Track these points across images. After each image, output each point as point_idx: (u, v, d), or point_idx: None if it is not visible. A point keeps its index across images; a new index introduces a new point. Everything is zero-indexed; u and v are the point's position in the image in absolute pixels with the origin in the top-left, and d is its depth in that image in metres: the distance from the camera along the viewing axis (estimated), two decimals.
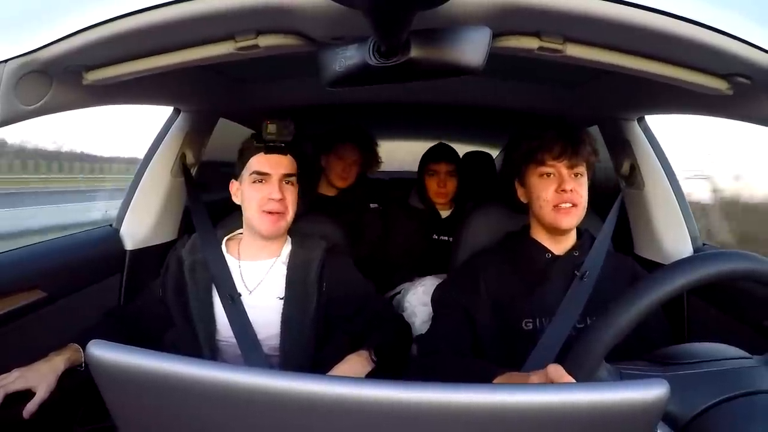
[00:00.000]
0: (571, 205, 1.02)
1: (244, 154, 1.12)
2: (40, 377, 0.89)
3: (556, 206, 1.02)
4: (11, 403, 0.87)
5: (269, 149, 1.09)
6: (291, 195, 1.10)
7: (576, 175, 1.03)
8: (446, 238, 1.80)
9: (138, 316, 1.15)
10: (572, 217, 1.03)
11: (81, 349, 0.98)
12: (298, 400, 0.41)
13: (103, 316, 1.15)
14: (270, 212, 1.08)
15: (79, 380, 0.91)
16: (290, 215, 1.11)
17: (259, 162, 1.09)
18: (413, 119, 2.46)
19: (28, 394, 0.88)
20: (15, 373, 0.89)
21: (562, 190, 1.01)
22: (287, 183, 1.10)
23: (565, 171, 1.03)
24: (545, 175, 1.04)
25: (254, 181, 1.09)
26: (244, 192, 1.11)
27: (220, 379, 0.42)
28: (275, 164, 1.08)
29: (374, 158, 1.98)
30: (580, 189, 1.03)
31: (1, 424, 0.91)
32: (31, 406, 0.87)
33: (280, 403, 0.42)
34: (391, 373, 1.02)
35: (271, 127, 1.08)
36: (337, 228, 1.39)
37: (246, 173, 1.11)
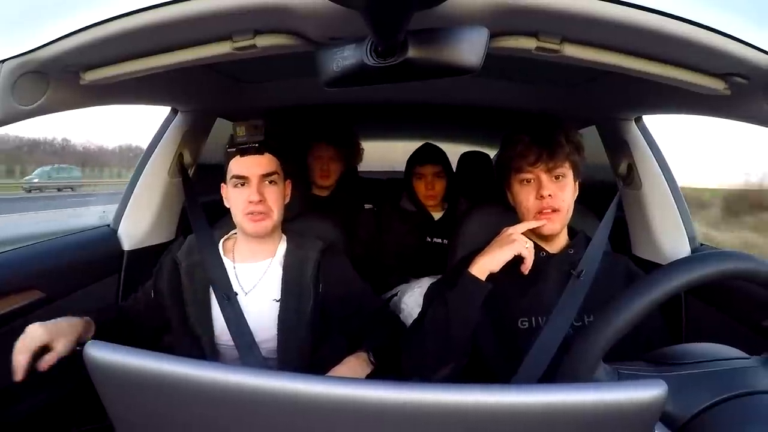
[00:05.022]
0: (551, 210, 1.01)
1: (227, 158, 1.11)
2: (60, 332, 0.91)
3: (538, 213, 1.02)
4: (11, 403, 0.86)
5: (243, 151, 1.08)
6: (273, 194, 1.09)
7: (557, 177, 1.02)
8: (440, 240, 1.78)
9: (129, 318, 1.14)
10: (554, 223, 1.02)
11: (93, 324, 1.01)
12: (296, 400, 0.41)
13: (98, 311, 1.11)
14: (252, 213, 1.07)
15: (76, 380, 0.91)
16: (275, 214, 1.09)
17: (236, 165, 1.08)
18: (411, 119, 2.45)
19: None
20: (35, 328, 0.89)
21: (541, 196, 1.01)
22: (270, 183, 1.09)
23: (544, 176, 1.01)
24: (525, 182, 1.04)
25: (235, 185, 1.08)
26: (229, 196, 1.11)
27: (218, 379, 0.42)
28: (251, 166, 1.07)
29: (355, 152, 1.91)
30: (561, 192, 1.02)
31: (0, 424, 0.91)
32: (49, 358, 0.88)
33: (278, 403, 0.42)
34: (388, 374, 1.02)
35: (240, 130, 1.07)
36: (333, 227, 1.39)
37: (228, 177, 1.10)
